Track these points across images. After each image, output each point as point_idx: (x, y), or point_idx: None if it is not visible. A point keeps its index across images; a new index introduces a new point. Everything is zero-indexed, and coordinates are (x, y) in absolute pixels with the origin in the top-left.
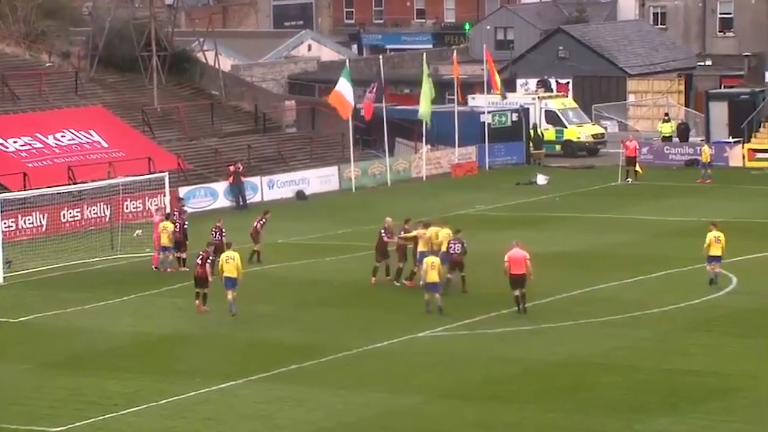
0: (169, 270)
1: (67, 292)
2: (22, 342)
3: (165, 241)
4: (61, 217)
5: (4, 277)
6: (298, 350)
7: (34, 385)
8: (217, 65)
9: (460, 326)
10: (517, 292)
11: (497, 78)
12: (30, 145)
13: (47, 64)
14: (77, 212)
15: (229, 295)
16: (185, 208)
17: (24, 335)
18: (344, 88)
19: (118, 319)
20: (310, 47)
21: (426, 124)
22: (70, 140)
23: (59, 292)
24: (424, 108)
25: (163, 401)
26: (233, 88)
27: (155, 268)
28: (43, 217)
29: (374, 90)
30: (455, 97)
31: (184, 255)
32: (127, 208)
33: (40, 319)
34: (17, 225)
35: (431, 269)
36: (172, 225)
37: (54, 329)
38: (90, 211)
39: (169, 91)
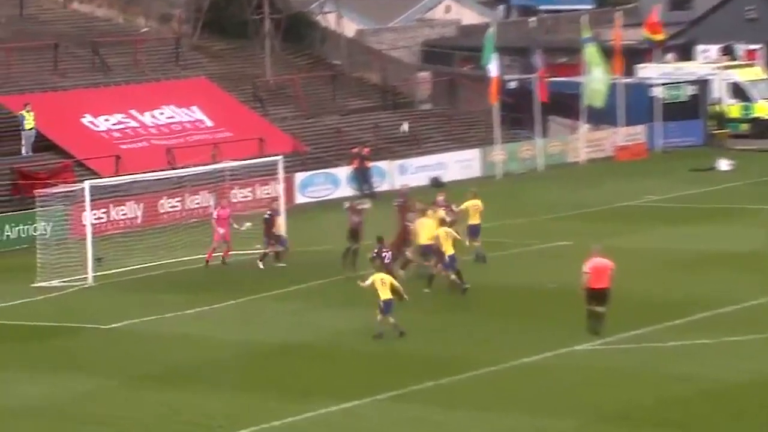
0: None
1: (165, 294)
2: (112, 351)
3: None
4: (159, 208)
5: (93, 277)
6: (433, 364)
7: (125, 401)
8: (339, 30)
9: (623, 339)
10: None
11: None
12: (123, 123)
13: (143, 30)
14: (177, 202)
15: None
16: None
17: (115, 344)
18: (493, 68)
19: (223, 326)
20: (448, 9)
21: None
22: (169, 118)
23: (156, 294)
24: (598, 88)
25: (276, 422)
26: (358, 57)
27: (223, 261)
28: (139, 208)
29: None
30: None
31: (280, 249)
32: (234, 198)
33: (133, 326)
34: (109, 216)
35: (382, 286)
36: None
37: (149, 337)
38: (192, 201)
39: (283, 61)
